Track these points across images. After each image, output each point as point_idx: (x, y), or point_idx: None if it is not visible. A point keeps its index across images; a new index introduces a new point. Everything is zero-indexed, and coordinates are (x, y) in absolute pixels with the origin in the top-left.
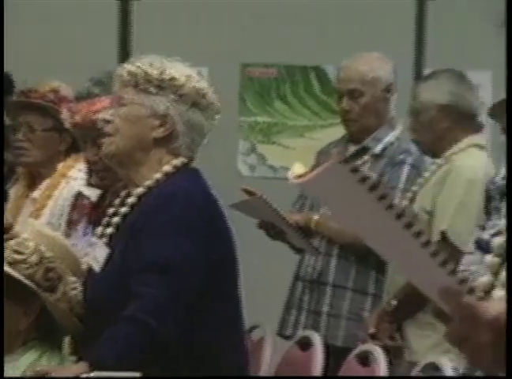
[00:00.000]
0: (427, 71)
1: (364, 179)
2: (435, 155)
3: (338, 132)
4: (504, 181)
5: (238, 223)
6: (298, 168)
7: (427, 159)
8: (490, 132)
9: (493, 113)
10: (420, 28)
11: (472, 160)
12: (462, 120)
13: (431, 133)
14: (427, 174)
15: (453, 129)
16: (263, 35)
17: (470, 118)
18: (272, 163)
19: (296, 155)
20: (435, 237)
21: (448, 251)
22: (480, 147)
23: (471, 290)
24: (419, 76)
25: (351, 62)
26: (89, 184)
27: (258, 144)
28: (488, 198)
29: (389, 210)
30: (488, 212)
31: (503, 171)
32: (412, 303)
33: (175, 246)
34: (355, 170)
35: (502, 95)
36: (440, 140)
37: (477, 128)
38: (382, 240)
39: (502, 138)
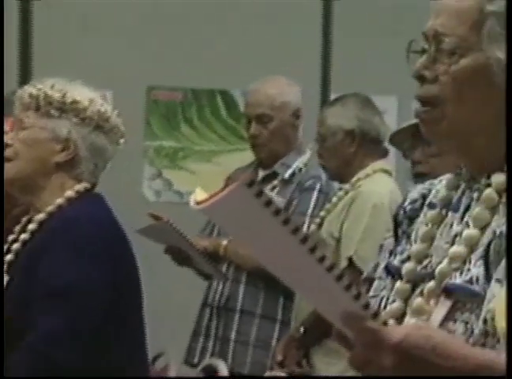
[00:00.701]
0: (333, 96)
1: (268, 203)
2: (342, 180)
3: (246, 157)
4: (411, 206)
5: (144, 248)
6: (199, 194)
7: (335, 185)
8: (395, 157)
9: (393, 140)
10: (326, 52)
11: (378, 186)
12: (368, 145)
13: (337, 158)
14: (334, 200)
15: (360, 155)
16: (169, 57)
17: (376, 143)
18: (178, 188)
19: (203, 181)
20: (342, 263)
21: (354, 277)
22: (386, 172)
23: (375, 315)
24: (325, 102)
25: (259, 86)
26: None
27: (164, 169)
28: (397, 223)
29: (293, 234)
30: (397, 237)
31: (412, 196)
32: (318, 330)
33: (76, 272)
34: (259, 194)
35: (408, 121)
36: (346, 166)
37: (383, 153)
38: (286, 266)
39: (407, 164)
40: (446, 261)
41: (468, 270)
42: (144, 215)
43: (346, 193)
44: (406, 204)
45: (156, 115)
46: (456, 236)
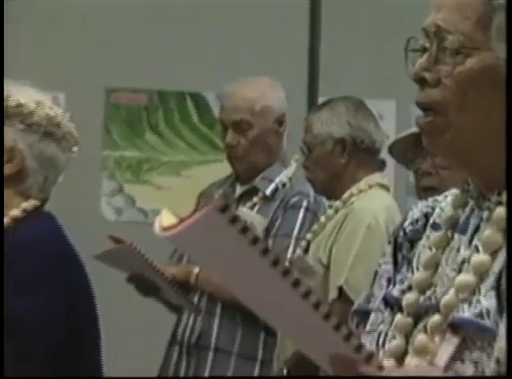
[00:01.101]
0: (321, 100)
1: (244, 230)
2: (332, 196)
3: (221, 170)
4: (413, 227)
5: (103, 276)
6: (166, 217)
7: (324, 203)
8: (394, 169)
9: (393, 150)
10: (314, 52)
11: (374, 202)
12: (362, 156)
13: (326, 171)
14: (323, 220)
15: (352, 167)
16: (132, 55)
17: (371, 153)
18: (142, 205)
19: (171, 197)
20: (332, 293)
21: (345, 309)
22: (383, 187)
23: (369, 358)
24: (312, 106)
25: (237, 88)
26: None
27: (126, 183)
28: (396, 247)
29: (273, 266)
30: (396, 263)
31: (413, 215)
32: (304, 372)
33: (30, 303)
34: (233, 220)
35: (408, 127)
36: (337, 180)
37: (379, 165)
38: (265, 300)
39: (409, 177)
40: (452, 291)
41: (478, 302)
42: (102, 237)
43: (336, 211)
44: (407, 224)
45: (116, 121)
46: (463, 262)
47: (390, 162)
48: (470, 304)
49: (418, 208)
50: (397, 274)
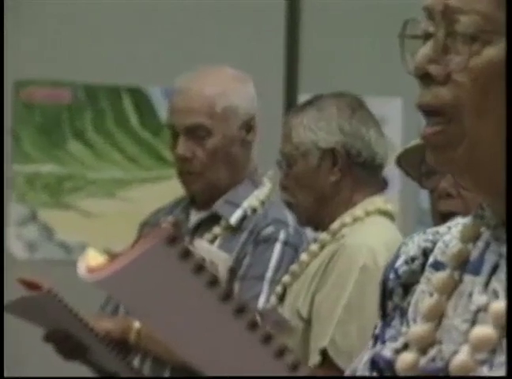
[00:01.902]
0: (303, 99)
1: (200, 270)
2: (318, 227)
3: (170, 190)
4: (407, 267)
5: (12, 332)
6: (93, 256)
7: (308, 234)
8: (400, 189)
9: (402, 162)
10: (291, 38)
11: (371, 236)
12: (358, 172)
13: (310, 192)
14: (304, 258)
15: (345, 187)
16: (49, 39)
17: (371, 169)
18: (63, 237)
19: (103, 227)
20: (313, 358)
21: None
22: (386, 214)
23: None
24: (291, 107)
25: (190, 82)
26: None
27: (41, 208)
28: (386, 294)
29: (237, 317)
30: (385, 314)
31: (408, 251)
32: None
33: None
34: (185, 256)
35: (417, 131)
36: (325, 204)
37: (381, 185)
38: (224, 362)
39: (420, 199)
40: (465, 349)
41: (502, 364)
42: (10, 281)
43: (322, 246)
44: (399, 264)
45: (28, 125)
46: (479, 311)
47: (395, 179)
48: (491, 366)
49: (414, 243)
50: (387, 328)
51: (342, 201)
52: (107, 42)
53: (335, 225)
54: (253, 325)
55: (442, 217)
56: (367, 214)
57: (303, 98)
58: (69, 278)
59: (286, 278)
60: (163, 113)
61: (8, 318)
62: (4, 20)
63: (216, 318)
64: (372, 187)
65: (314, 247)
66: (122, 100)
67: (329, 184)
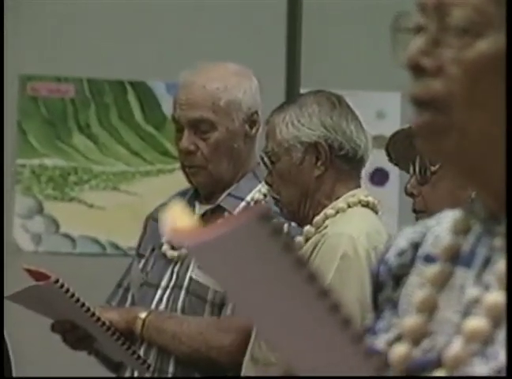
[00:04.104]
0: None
1: (290, 248)
2: (303, 222)
3: (173, 183)
4: (398, 259)
5: (18, 322)
6: (179, 216)
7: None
8: (399, 181)
9: (392, 151)
10: (293, 35)
11: (352, 225)
12: (341, 166)
13: (295, 187)
14: None
15: (328, 181)
16: (55, 34)
17: (353, 162)
18: (68, 230)
19: (107, 219)
20: None
21: None
22: (368, 205)
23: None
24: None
25: (194, 77)
26: None
27: (47, 201)
28: (377, 286)
29: (319, 298)
30: (377, 306)
31: (398, 244)
32: None
33: None
34: (277, 233)
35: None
36: (309, 199)
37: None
38: (302, 341)
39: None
40: (459, 341)
41: (495, 354)
42: (17, 271)
43: (307, 239)
44: (390, 256)
45: (34, 119)
46: (471, 303)
47: (395, 173)
48: (484, 357)
49: (404, 236)
50: (379, 321)
51: (326, 195)
52: (111, 37)
53: (318, 218)
54: (334, 308)
55: (416, 216)
56: (349, 206)
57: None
58: (74, 270)
59: None
60: (166, 107)
61: (8, 318)
62: (4, 20)
63: (300, 299)
64: (354, 180)
65: (299, 239)
66: (126, 94)
67: (313, 178)
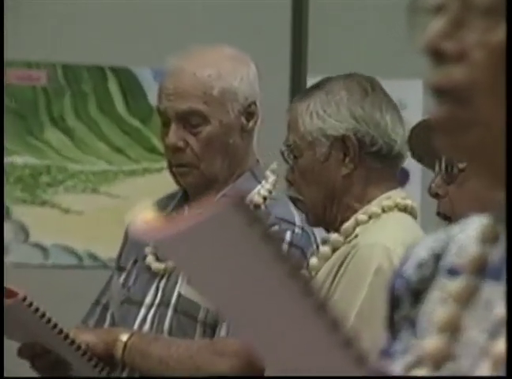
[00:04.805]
0: (312, 82)
1: (268, 239)
2: (330, 226)
3: (160, 184)
4: (418, 273)
5: None
6: (148, 212)
7: (316, 235)
8: (421, 180)
9: (412, 146)
10: (298, 16)
11: (388, 234)
12: (374, 164)
13: (319, 187)
14: (315, 262)
15: (358, 181)
16: (23, 14)
17: (388, 159)
18: (39, 239)
19: (83, 226)
20: None
21: None
22: (406, 210)
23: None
24: (298, 90)
25: (184, 63)
26: None
27: (15, 205)
28: (393, 302)
29: (304, 297)
30: (394, 325)
31: (417, 255)
32: None
33: None
34: (253, 223)
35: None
36: (336, 201)
37: (400, 177)
38: (283, 340)
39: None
40: (485, 365)
41: None
42: None
43: (334, 248)
44: (407, 268)
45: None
46: (501, 321)
47: (416, 172)
48: None
49: (424, 245)
50: (395, 342)
51: (355, 197)
52: (90, 16)
53: (347, 224)
54: (321, 306)
55: (443, 220)
56: (384, 210)
57: (312, 81)
58: (46, 285)
59: None
60: (153, 97)
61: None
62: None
63: (281, 295)
64: (389, 181)
65: (324, 249)
66: (106, 82)
67: (339, 178)
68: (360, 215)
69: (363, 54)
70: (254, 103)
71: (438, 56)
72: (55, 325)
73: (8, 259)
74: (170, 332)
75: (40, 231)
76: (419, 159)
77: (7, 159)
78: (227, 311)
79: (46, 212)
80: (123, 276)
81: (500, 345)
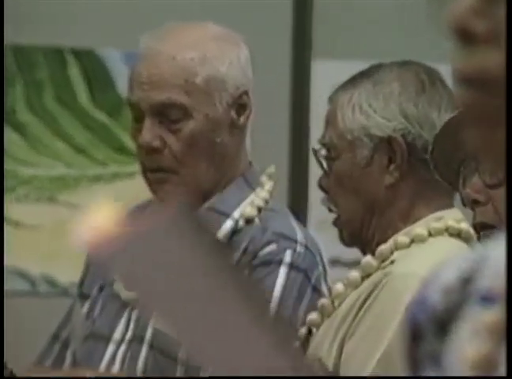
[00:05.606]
0: (318, 67)
1: (214, 247)
2: (366, 246)
3: (132, 192)
4: (444, 301)
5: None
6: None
7: (322, 255)
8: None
9: (433, 155)
10: None
11: (429, 263)
12: (424, 174)
13: (358, 197)
14: (340, 289)
15: (405, 193)
16: None
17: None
18: None
19: (38, 243)
20: None
21: None
22: (460, 235)
23: None
24: (301, 77)
25: (160, 45)
26: None
27: None
28: (415, 335)
29: (247, 305)
30: (416, 363)
31: (443, 279)
32: None
33: None
34: (197, 232)
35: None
36: (375, 215)
37: (453, 187)
38: (224, 339)
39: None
40: None
41: None
42: None
43: (366, 274)
44: (431, 294)
45: None
46: None
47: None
48: None
49: (451, 267)
50: None
51: (399, 214)
52: None
53: (385, 246)
54: (261, 315)
55: (480, 232)
56: (431, 233)
57: (318, 68)
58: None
59: (313, 316)
60: (123, 85)
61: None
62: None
63: (227, 302)
64: (442, 197)
65: (353, 275)
66: (66, 68)
67: (382, 188)
68: (401, 237)
69: (375, 35)
70: (246, 92)
71: (466, 37)
72: (3, 365)
73: None
74: (144, 373)
75: None
76: (441, 174)
77: None
78: (170, 319)
79: None
80: (87, 305)
81: None
